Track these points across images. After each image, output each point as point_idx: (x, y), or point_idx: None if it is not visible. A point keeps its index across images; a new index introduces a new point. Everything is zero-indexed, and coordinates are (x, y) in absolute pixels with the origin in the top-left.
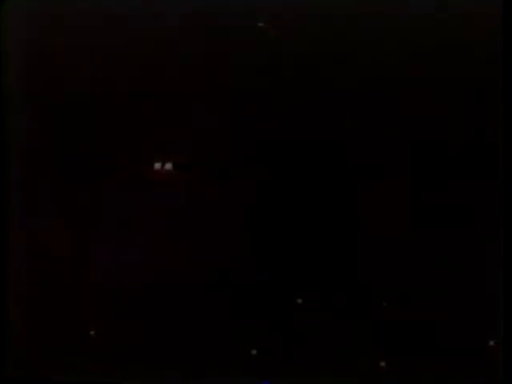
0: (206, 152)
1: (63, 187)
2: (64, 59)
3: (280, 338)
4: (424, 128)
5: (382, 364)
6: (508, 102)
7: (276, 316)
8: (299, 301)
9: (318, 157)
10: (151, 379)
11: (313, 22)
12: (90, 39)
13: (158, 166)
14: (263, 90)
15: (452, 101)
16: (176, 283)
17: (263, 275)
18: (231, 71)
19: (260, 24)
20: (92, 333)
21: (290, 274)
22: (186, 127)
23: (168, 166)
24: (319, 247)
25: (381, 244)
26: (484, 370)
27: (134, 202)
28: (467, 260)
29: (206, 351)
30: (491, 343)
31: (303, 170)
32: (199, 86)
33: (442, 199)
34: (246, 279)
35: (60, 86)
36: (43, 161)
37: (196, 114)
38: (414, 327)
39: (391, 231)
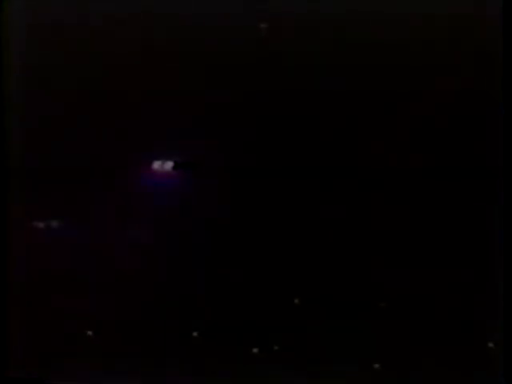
0: (206, 152)
1: (63, 187)
2: (64, 59)
3: (277, 338)
4: (424, 128)
5: (376, 366)
6: (508, 101)
7: (273, 316)
8: (296, 301)
9: (317, 157)
10: (151, 379)
11: (313, 22)
12: (91, 39)
13: (157, 165)
14: (263, 90)
15: (452, 100)
16: (175, 283)
17: (262, 274)
18: (231, 71)
19: (262, 25)
20: (89, 333)
21: (288, 273)
22: (186, 127)
23: (168, 165)
24: (317, 248)
25: (380, 244)
26: (484, 371)
27: (133, 203)
28: (467, 261)
29: (205, 351)
30: (491, 345)
31: (302, 169)
32: (198, 86)
33: (442, 199)
34: (244, 278)
35: (60, 86)
36: (43, 160)
37: (196, 113)
38: (414, 329)
39: (390, 232)
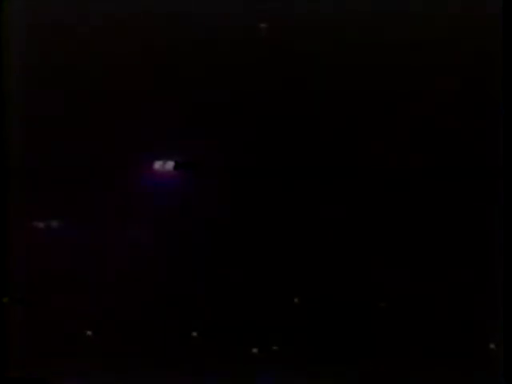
0: (206, 152)
1: (63, 187)
2: (64, 59)
3: (277, 338)
4: (424, 128)
5: (372, 365)
6: (508, 101)
7: (273, 316)
8: (296, 300)
9: (317, 157)
10: (151, 379)
11: (313, 22)
12: (91, 39)
13: (158, 165)
14: (263, 90)
15: (452, 100)
16: (175, 283)
17: (262, 274)
18: (231, 71)
19: (262, 25)
20: (89, 333)
21: (288, 273)
22: (186, 127)
23: (169, 165)
24: (317, 248)
25: (380, 244)
26: (484, 372)
27: (133, 203)
28: (467, 263)
29: (205, 351)
30: (492, 346)
31: (302, 169)
32: (198, 86)
33: (443, 199)
34: (244, 278)
35: (60, 86)
36: (43, 160)
37: (196, 113)
38: (414, 329)
39: (390, 232)
